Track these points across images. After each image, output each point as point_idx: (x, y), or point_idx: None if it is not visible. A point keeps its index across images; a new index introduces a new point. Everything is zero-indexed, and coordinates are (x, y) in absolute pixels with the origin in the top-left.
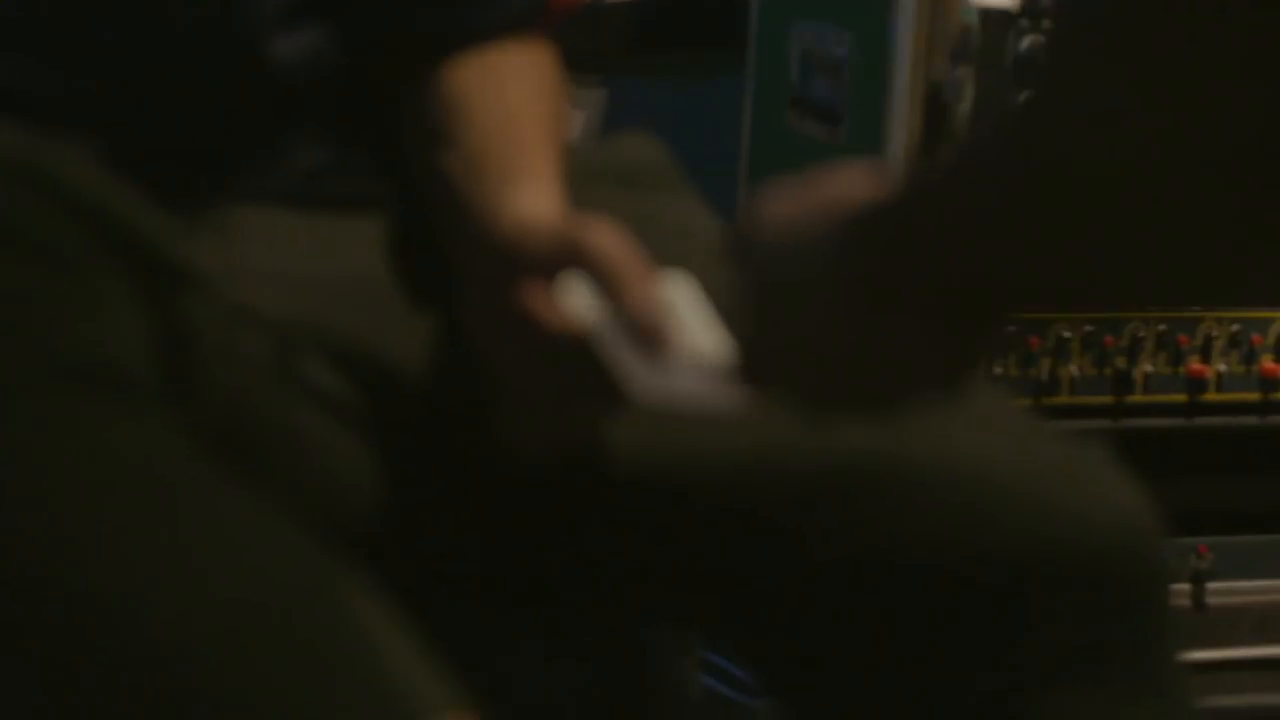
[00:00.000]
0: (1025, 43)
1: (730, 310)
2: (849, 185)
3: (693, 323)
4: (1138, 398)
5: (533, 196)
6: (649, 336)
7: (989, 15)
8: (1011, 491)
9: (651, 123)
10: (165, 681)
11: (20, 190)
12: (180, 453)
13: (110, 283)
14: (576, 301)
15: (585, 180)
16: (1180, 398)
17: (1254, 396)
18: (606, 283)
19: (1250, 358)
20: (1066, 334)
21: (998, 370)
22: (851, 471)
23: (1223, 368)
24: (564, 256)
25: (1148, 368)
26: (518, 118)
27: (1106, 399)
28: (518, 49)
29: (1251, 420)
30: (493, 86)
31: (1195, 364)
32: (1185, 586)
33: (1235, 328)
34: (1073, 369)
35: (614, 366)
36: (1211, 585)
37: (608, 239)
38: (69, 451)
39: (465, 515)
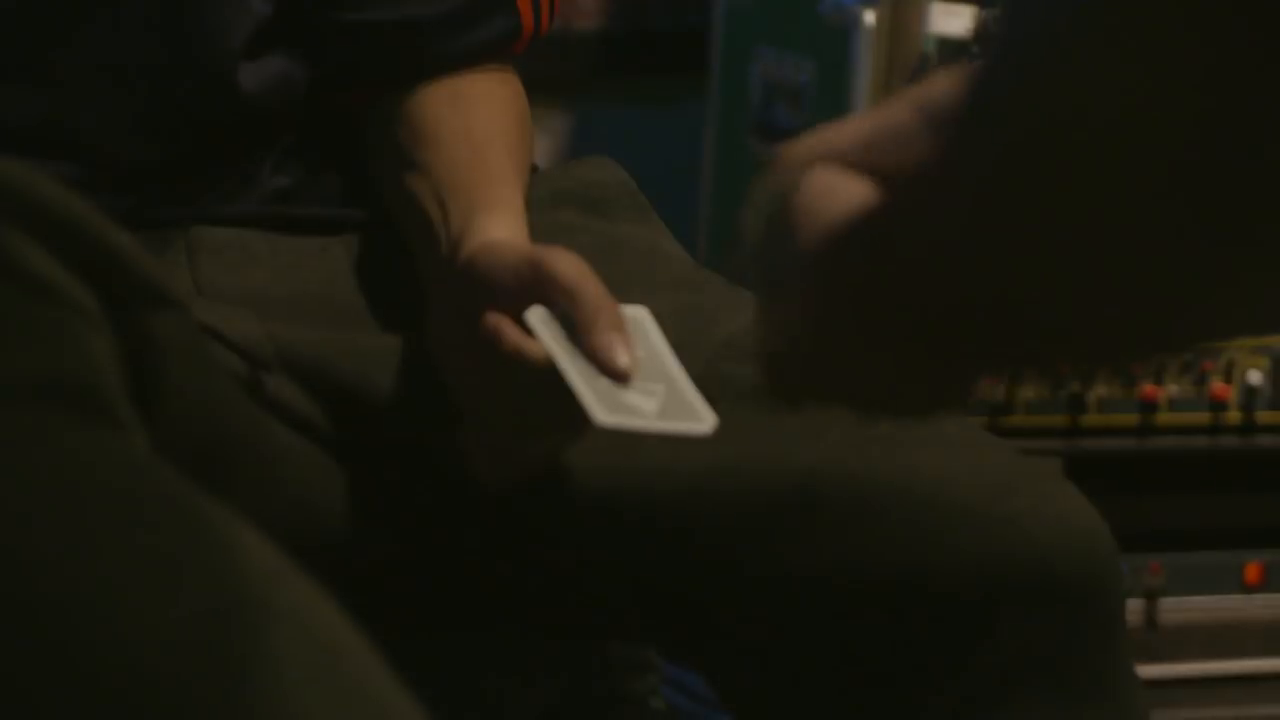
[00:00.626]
0: None
1: (691, 334)
2: (837, 195)
3: (652, 352)
4: (1091, 419)
5: (499, 224)
6: (609, 365)
7: (945, 43)
8: (968, 508)
9: (615, 147)
10: (133, 693)
11: None
12: (147, 468)
13: (78, 301)
14: (540, 329)
15: (549, 204)
16: (1132, 419)
17: (1204, 418)
18: (570, 311)
19: (1201, 380)
20: None
21: None
22: (806, 490)
23: (1174, 390)
24: (529, 284)
25: (1101, 390)
26: (485, 144)
27: (1060, 420)
28: (485, 74)
29: (1202, 441)
30: (460, 112)
31: (1147, 387)
32: (1138, 603)
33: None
34: (1027, 390)
35: (575, 393)
36: (1164, 602)
37: (572, 267)
38: (32, 467)
39: (430, 534)
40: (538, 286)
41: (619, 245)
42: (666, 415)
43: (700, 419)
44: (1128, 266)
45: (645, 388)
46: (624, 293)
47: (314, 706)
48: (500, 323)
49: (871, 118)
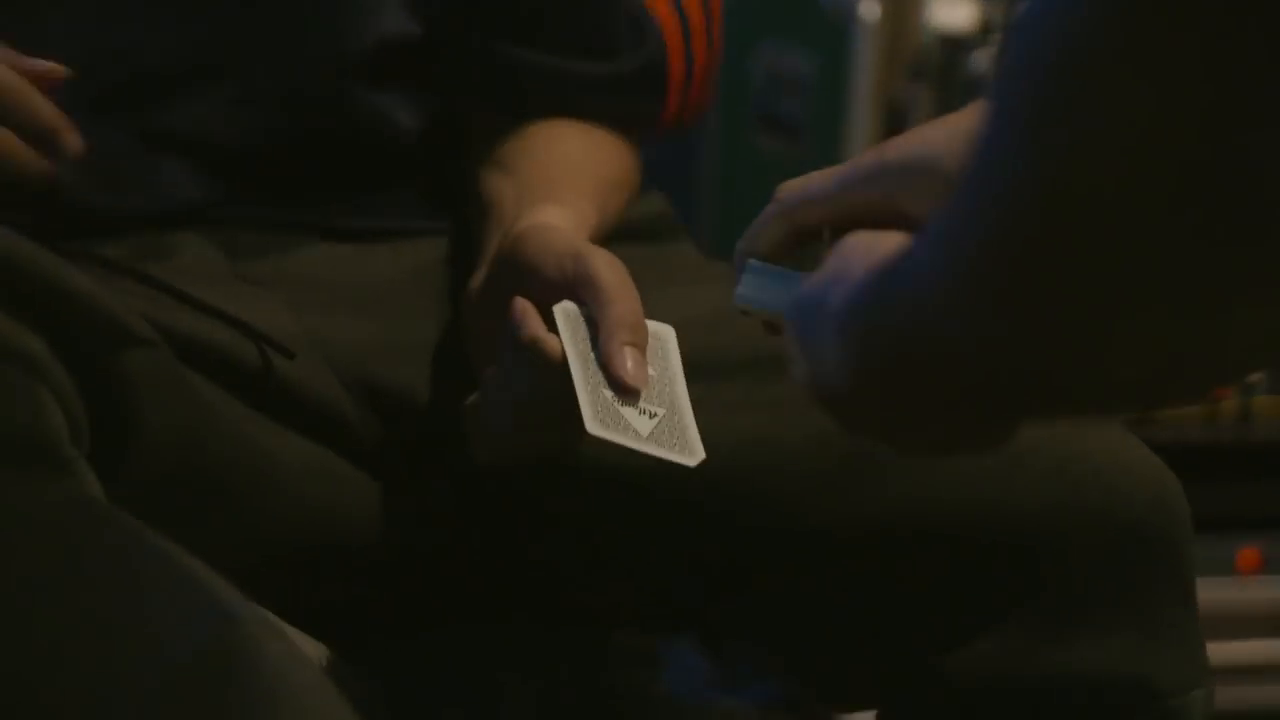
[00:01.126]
0: (979, 62)
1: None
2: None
3: (665, 373)
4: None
5: (560, 215)
6: (616, 376)
7: (946, 36)
8: (1037, 449)
9: None
10: None
11: None
12: (94, 515)
13: (21, 347)
14: (563, 324)
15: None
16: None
17: (1199, 408)
18: (596, 313)
19: None
20: None
21: None
22: (865, 449)
23: None
24: (569, 277)
25: None
26: (579, 167)
27: None
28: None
29: (1197, 431)
30: (569, 140)
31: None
32: None
33: None
34: None
35: (578, 395)
36: None
37: (611, 271)
38: None
39: (444, 528)
40: (575, 282)
41: (658, 261)
42: (657, 439)
43: (690, 451)
44: (1141, 315)
45: (647, 407)
46: (668, 287)
47: None
48: (527, 309)
49: (843, 169)
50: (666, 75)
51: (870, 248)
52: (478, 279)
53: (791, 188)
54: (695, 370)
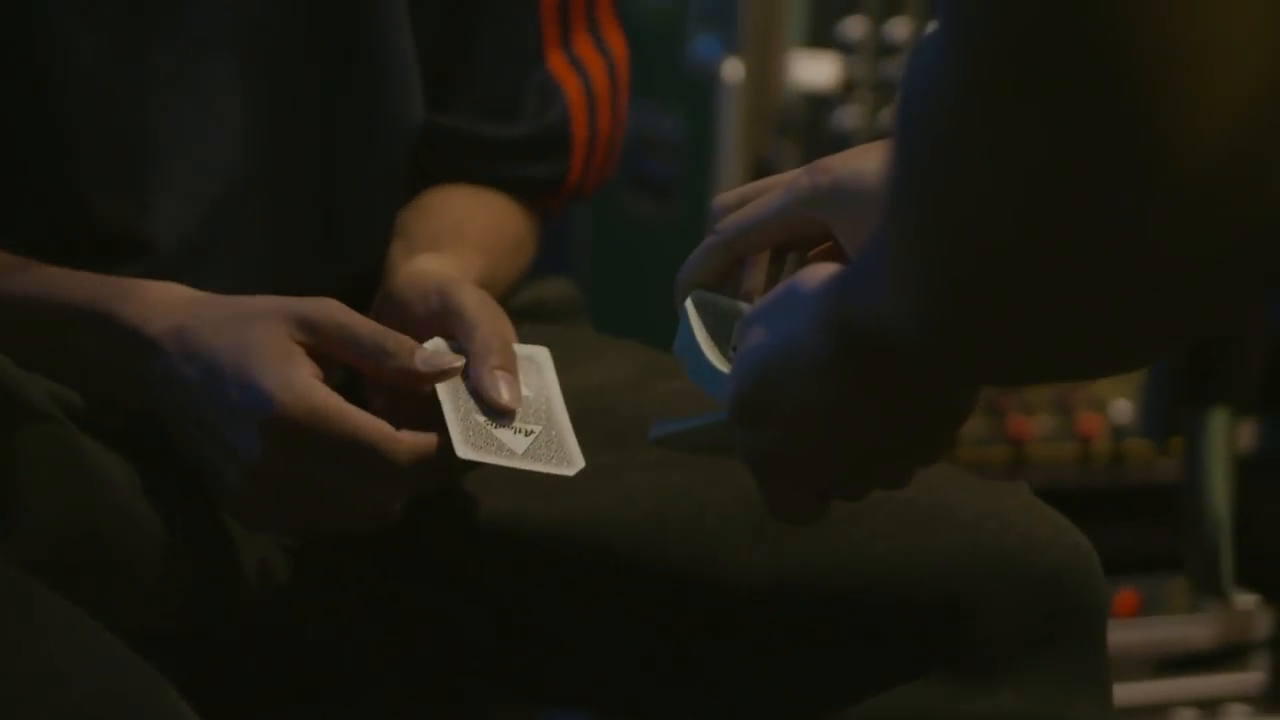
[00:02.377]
0: (843, 118)
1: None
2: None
3: (541, 392)
4: (963, 454)
5: (437, 260)
6: (488, 398)
7: (809, 94)
8: (952, 506)
9: None
10: None
11: None
12: None
13: None
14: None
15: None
16: (1004, 453)
17: (1072, 451)
18: (464, 342)
19: (1068, 415)
20: None
21: None
22: None
23: (1045, 423)
24: (436, 313)
25: (970, 427)
26: (468, 224)
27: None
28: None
29: (1070, 475)
30: (457, 201)
31: (1017, 420)
32: None
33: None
34: None
35: (448, 422)
36: None
37: (476, 302)
38: None
39: (348, 601)
40: (443, 315)
41: (573, 337)
42: (533, 455)
43: (568, 462)
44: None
45: (522, 426)
46: (583, 352)
47: None
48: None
49: (774, 197)
50: (570, 143)
51: (816, 272)
52: None
53: (729, 220)
54: (614, 435)
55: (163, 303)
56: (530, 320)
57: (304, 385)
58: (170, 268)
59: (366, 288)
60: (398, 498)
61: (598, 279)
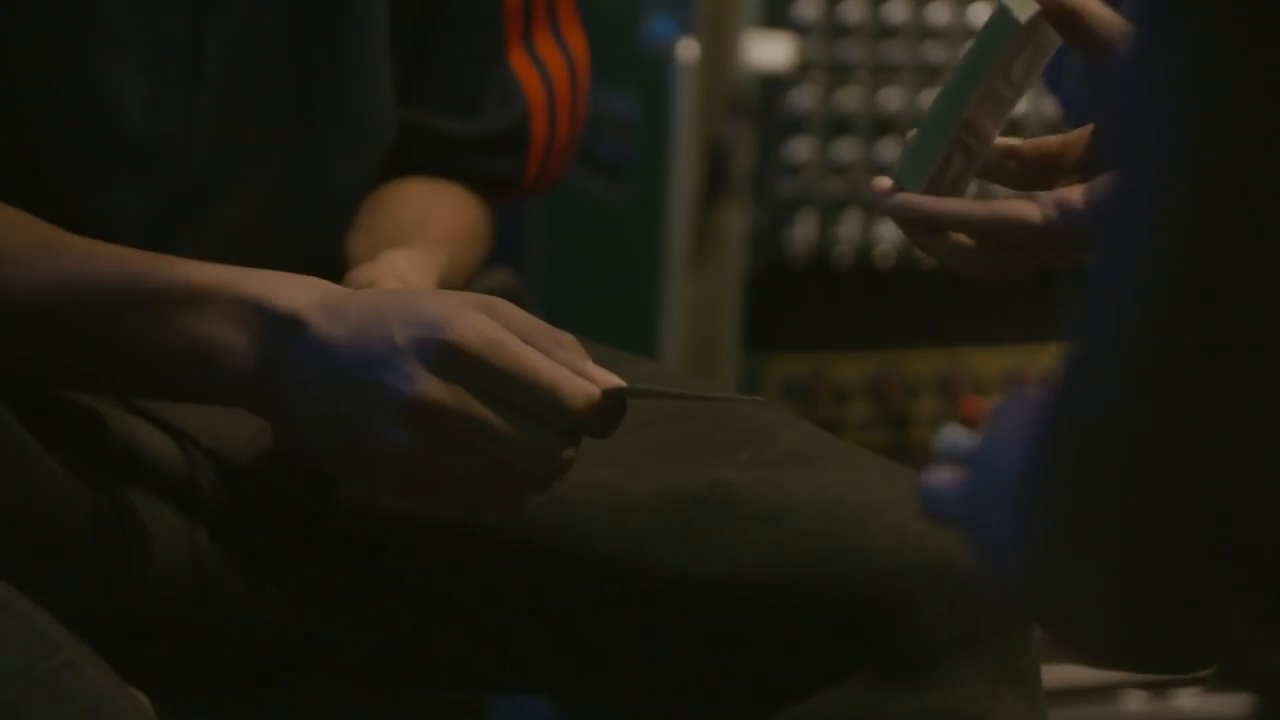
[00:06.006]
0: (798, 99)
1: None
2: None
3: None
4: (915, 436)
5: (404, 258)
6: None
7: (764, 75)
8: (879, 507)
9: None
10: None
11: None
12: None
13: None
14: None
15: None
16: None
17: None
18: None
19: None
20: (849, 375)
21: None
22: (713, 497)
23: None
24: None
25: (926, 406)
26: (427, 217)
27: (886, 437)
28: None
29: None
30: (416, 194)
31: (970, 402)
32: None
33: (1005, 366)
34: (854, 409)
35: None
36: None
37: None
38: None
39: (287, 584)
40: None
41: None
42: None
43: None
44: None
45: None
46: None
47: None
48: None
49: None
50: (529, 141)
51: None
52: None
53: None
54: None
55: (302, 282)
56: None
57: (480, 318)
58: None
59: None
60: (561, 454)
61: (551, 258)
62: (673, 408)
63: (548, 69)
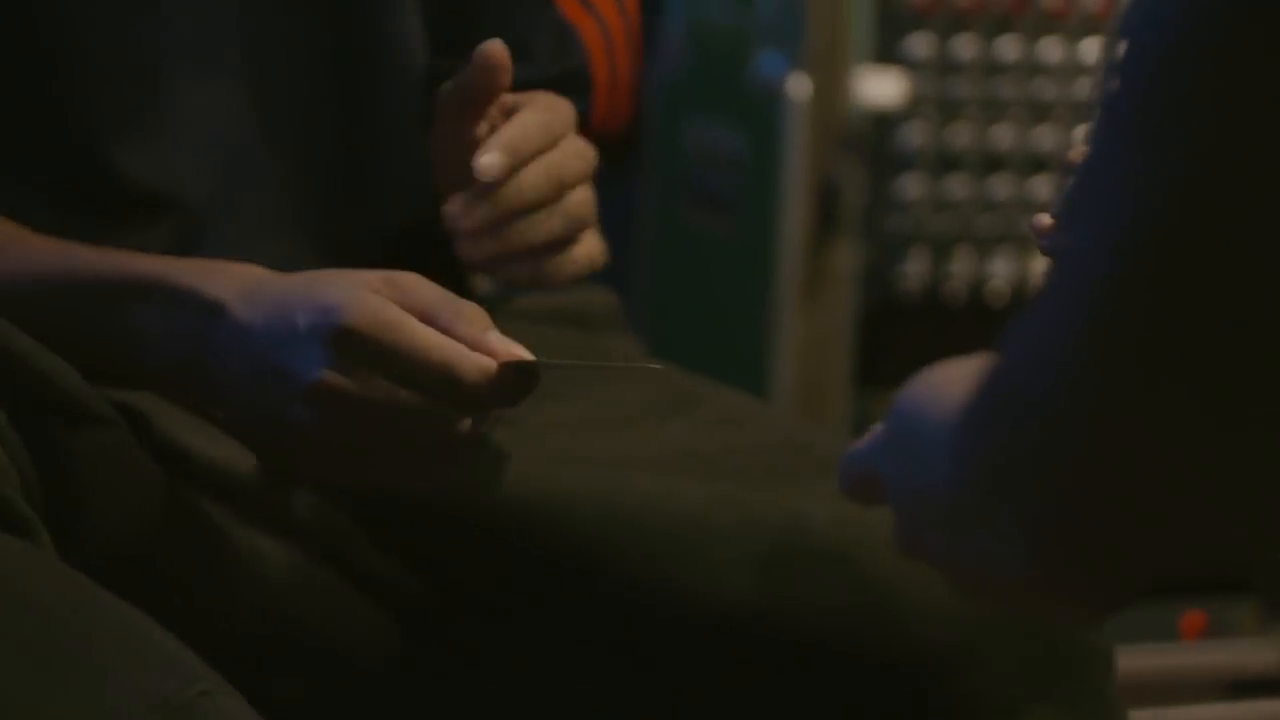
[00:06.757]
0: (910, 135)
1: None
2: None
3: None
4: None
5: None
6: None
7: (875, 111)
8: None
9: None
10: None
11: None
12: (50, 570)
13: None
14: None
15: (546, 320)
16: None
17: None
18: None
19: None
20: None
21: None
22: (787, 535)
23: None
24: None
25: None
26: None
27: None
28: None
29: None
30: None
31: None
32: None
33: None
34: None
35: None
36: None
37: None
38: None
39: (410, 627)
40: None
41: (602, 352)
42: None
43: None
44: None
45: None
46: (608, 385)
47: None
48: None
49: None
50: (591, 84)
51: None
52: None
53: None
54: (640, 457)
55: (231, 270)
56: (571, 327)
57: (374, 299)
58: (200, 225)
59: (405, 253)
60: (463, 427)
61: (660, 295)
62: (757, 437)
63: (597, 10)
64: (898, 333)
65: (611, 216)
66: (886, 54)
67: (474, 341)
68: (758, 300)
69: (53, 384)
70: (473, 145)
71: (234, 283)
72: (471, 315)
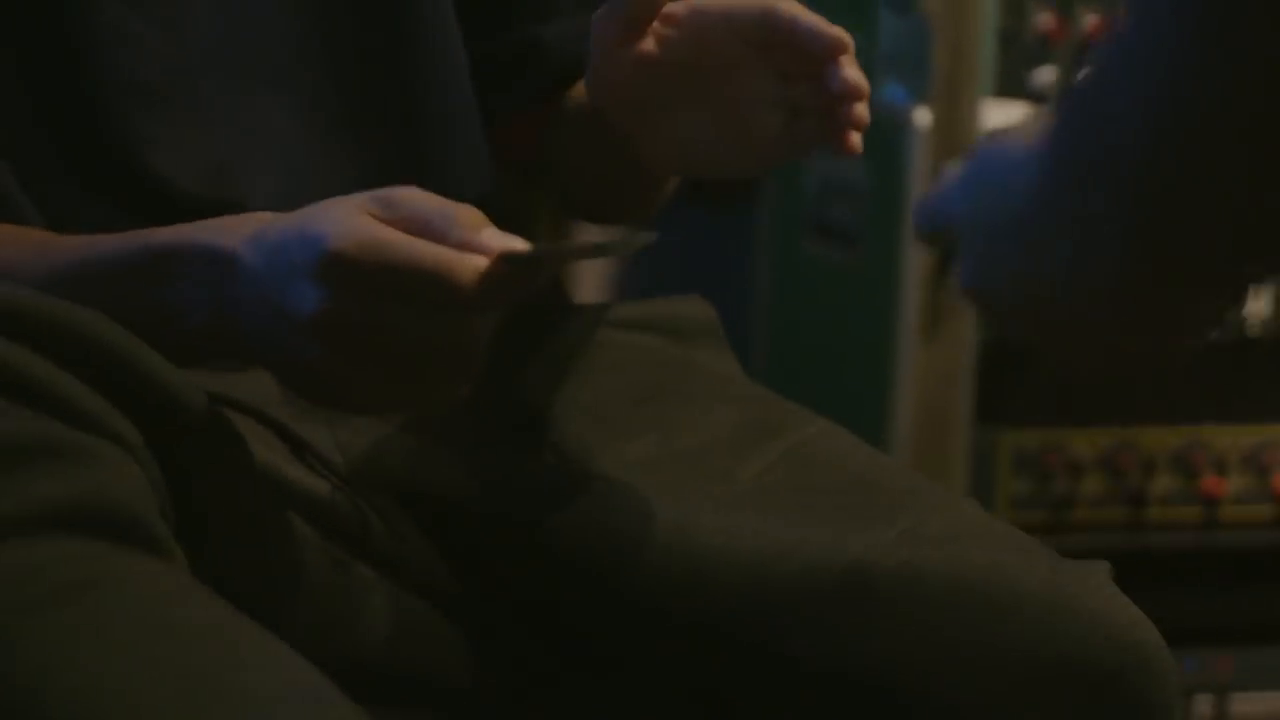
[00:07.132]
0: None
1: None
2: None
3: None
4: (1153, 513)
5: None
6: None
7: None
8: (1018, 598)
9: (668, 250)
10: None
11: (29, 341)
12: (191, 589)
13: (125, 432)
14: None
15: (638, 329)
16: (1195, 513)
17: (1266, 512)
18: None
19: (1263, 474)
20: (1083, 451)
21: (1016, 488)
22: (857, 580)
23: (1236, 484)
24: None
25: (1164, 483)
26: None
27: (1122, 514)
28: None
29: (1265, 535)
30: None
31: (1209, 480)
32: (1208, 698)
33: (1248, 444)
34: (1089, 485)
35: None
36: (1235, 697)
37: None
38: (68, 594)
39: (505, 661)
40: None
41: (692, 366)
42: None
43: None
44: None
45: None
46: (692, 404)
47: None
48: None
49: None
50: None
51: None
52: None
53: None
54: (708, 496)
55: (243, 220)
56: (668, 336)
57: (359, 221)
58: None
59: None
60: (473, 331)
61: (780, 327)
62: (829, 475)
63: None
64: (1020, 368)
65: (732, 247)
66: (1010, 86)
67: (466, 243)
68: (879, 334)
69: (179, 402)
70: (636, 63)
71: (244, 230)
72: (465, 218)
